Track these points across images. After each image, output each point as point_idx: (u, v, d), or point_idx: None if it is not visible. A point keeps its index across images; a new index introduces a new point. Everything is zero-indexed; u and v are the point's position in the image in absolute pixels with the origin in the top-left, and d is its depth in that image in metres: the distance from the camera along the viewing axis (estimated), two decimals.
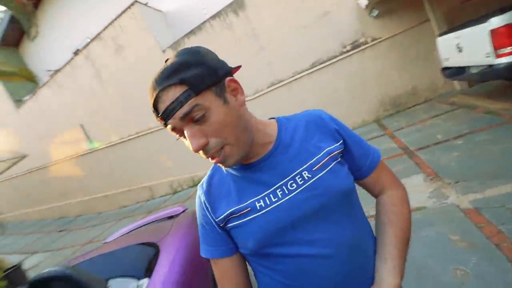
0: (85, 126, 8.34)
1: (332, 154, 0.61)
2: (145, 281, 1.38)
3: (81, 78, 7.70)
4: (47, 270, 1.24)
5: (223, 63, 0.55)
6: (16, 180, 11.33)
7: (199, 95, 0.49)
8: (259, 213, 0.57)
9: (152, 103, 0.50)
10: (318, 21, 5.29)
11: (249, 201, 0.58)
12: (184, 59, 0.50)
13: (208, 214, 0.63)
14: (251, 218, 0.57)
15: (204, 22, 5.97)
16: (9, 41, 10.62)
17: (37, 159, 9.74)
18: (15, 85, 8.95)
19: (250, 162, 0.61)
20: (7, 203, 11.84)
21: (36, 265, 5.66)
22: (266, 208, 0.57)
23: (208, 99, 0.50)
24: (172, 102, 0.48)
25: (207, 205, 0.63)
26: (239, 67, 0.58)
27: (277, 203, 0.56)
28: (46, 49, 10.09)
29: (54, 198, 10.36)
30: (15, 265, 4.64)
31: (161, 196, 7.54)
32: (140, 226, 2.57)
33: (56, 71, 8.19)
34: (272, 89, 5.92)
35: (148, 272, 1.48)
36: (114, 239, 2.52)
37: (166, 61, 0.53)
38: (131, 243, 1.93)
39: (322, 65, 5.46)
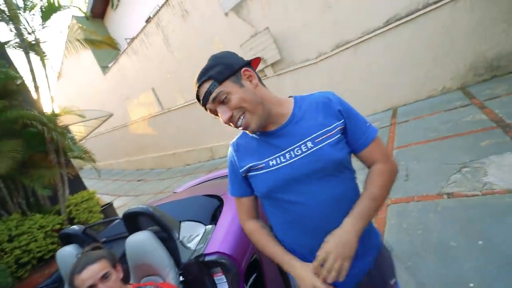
0: (156, 90, 9.21)
1: (333, 131, 0.76)
2: (211, 226, 1.54)
3: (152, 45, 8.33)
4: (135, 206, 1.48)
5: (238, 60, 0.78)
6: (103, 136, 13.52)
7: (221, 85, 0.72)
8: (271, 169, 0.78)
9: (195, 95, 0.77)
10: None
11: (265, 160, 0.79)
12: (210, 63, 0.75)
13: (235, 165, 0.86)
14: (264, 172, 0.78)
15: None
16: (96, 13, 12.07)
17: (119, 119, 11.34)
18: (101, 52, 10.22)
19: (269, 130, 0.81)
20: (98, 154, 14.39)
21: (122, 206, 6.91)
22: (276, 166, 0.77)
23: (228, 86, 0.73)
24: (206, 93, 0.74)
25: (235, 158, 0.86)
26: (258, 59, 0.84)
27: (285, 163, 0.76)
28: (125, 18, 11.08)
29: (133, 153, 12.12)
30: (109, 203, 5.73)
31: (220, 158, 8.11)
32: (205, 181, 2.82)
33: (132, 39, 9.01)
34: (336, 52, 5.45)
35: (213, 220, 1.64)
36: (182, 190, 2.85)
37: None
38: (198, 194, 2.15)
39: (399, 22, 4.71)
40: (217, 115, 0.77)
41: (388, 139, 4.03)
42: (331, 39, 5.44)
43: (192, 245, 1.41)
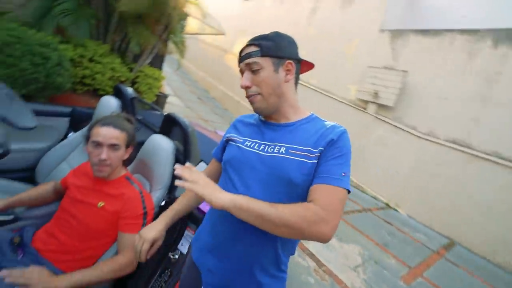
0: None
1: (312, 155, 0.73)
2: None
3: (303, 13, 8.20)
4: (182, 116, 1.46)
5: (292, 50, 0.81)
6: (221, 40, 14.25)
7: (262, 58, 0.76)
8: (241, 146, 0.83)
9: (241, 49, 0.81)
10: None
11: (244, 138, 0.85)
12: (270, 35, 0.79)
13: (228, 131, 0.95)
14: (236, 146, 0.84)
15: None
16: None
17: (225, 41, 11.79)
18: None
19: (270, 121, 0.85)
20: (188, 53, 15.32)
21: (167, 103, 7.36)
22: (246, 147, 0.82)
23: (266, 63, 0.76)
24: (247, 54, 0.78)
25: (230, 127, 0.95)
26: (311, 65, 0.86)
27: (253, 150, 0.80)
28: None
29: (211, 74, 12.69)
30: (166, 95, 6.13)
31: None
32: None
33: None
34: (456, 149, 4.74)
35: None
36: (221, 134, 2.85)
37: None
38: None
39: None
40: (241, 73, 0.81)
41: (421, 261, 3.51)
42: (469, 136, 4.70)
43: None
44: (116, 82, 4.20)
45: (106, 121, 1.15)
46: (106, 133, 1.11)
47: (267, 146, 0.79)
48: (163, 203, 1.29)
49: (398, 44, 5.53)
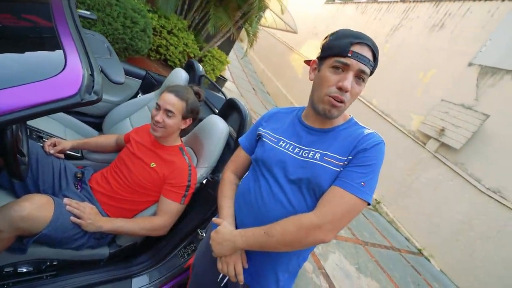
0: None
1: (342, 162, 0.73)
2: None
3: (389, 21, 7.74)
4: (244, 104, 1.48)
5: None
6: (276, 33, 14.33)
7: (372, 68, 0.74)
8: (276, 146, 0.83)
9: (349, 41, 0.71)
10: None
11: (280, 137, 0.85)
12: (376, 48, 0.74)
13: (260, 124, 0.94)
14: (270, 144, 0.84)
15: None
16: None
17: (294, 41, 11.71)
18: None
19: (309, 124, 0.83)
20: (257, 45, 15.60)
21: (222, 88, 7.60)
22: (281, 147, 0.82)
23: (366, 79, 0.74)
24: (367, 58, 0.71)
25: (264, 119, 0.95)
26: None
27: (288, 152, 0.80)
28: None
29: (274, 70, 12.76)
30: (226, 78, 6.34)
31: None
32: None
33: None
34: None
35: None
36: None
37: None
38: None
39: None
40: (342, 70, 0.72)
41: None
42: None
43: None
44: (186, 57, 4.47)
45: (172, 89, 1.23)
46: (166, 99, 1.19)
47: (302, 150, 0.79)
48: (204, 181, 1.34)
49: (486, 83, 4.88)
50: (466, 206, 4.65)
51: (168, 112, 1.18)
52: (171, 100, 1.18)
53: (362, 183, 0.69)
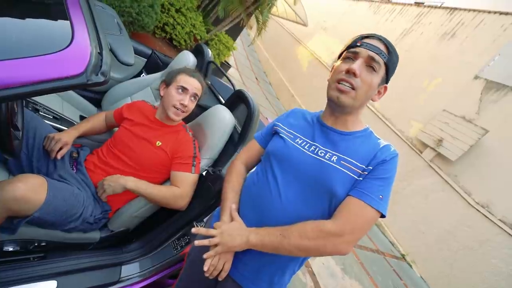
0: None
1: (359, 170, 0.73)
2: None
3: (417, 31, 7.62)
4: (252, 96, 1.42)
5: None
6: (288, 25, 14.04)
7: (384, 64, 0.74)
8: (291, 142, 0.82)
9: (360, 36, 0.77)
10: None
11: (296, 134, 0.85)
12: (395, 50, 0.77)
13: (278, 121, 0.94)
14: (285, 139, 0.84)
15: None
16: None
17: (303, 34, 11.48)
18: None
19: (328, 124, 0.82)
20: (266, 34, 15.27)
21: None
22: (296, 144, 0.81)
23: (381, 71, 0.75)
24: (377, 47, 0.73)
25: (282, 118, 0.95)
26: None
27: (302, 149, 0.79)
28: None
29: (282, 66, 12.55)
30: (229, 65, 6.20)
31: None
32: None
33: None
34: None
35: None
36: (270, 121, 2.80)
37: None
38: None
39: None
40: (353, 58, 0.75)
41: None
42: None
43: None
44: (192, 38, 4.32)
45: (194, 74, 1.24)
46: (193, 83, 1.20)
47: (317, 148, 0.78)
48: (204, 173, 1.29)
49: (490, 98, 4.88)
50: (453, 217, 4.74)
51: (195, 96, 1.21)
52: (198, 85, 1.21)
53: (381, 196, 0.69)
